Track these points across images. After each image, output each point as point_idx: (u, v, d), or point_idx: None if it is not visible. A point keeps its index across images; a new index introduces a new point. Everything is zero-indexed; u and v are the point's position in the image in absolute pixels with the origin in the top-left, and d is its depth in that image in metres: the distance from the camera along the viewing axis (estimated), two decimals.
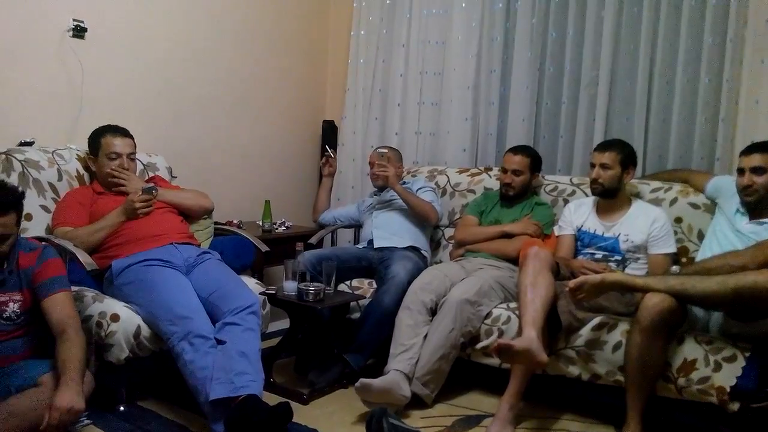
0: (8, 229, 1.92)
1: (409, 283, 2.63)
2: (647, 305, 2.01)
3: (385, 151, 3.17)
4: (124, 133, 2.62)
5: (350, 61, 3.88)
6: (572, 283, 2.13)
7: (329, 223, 3.39)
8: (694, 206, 2.64)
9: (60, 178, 2.59)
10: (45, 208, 2.52)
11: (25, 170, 2.47)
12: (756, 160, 2.27)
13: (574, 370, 2.30)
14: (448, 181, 3.37)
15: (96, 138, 2.60)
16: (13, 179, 2.42)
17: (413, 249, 3.00)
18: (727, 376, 2.00)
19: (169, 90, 3.19)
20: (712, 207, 2.56)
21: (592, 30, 3.14)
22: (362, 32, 3.82)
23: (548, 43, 3.32)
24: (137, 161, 2.74)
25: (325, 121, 4.03)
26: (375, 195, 3.28)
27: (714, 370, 2.03)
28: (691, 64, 2.91)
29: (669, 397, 2.13)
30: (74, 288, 2.24)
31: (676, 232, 2.59)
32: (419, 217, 3.06)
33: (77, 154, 2.69)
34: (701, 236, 2.56)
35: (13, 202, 1.93)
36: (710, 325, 2.21)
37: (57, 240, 2.34)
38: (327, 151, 3.42)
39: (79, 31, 2.77)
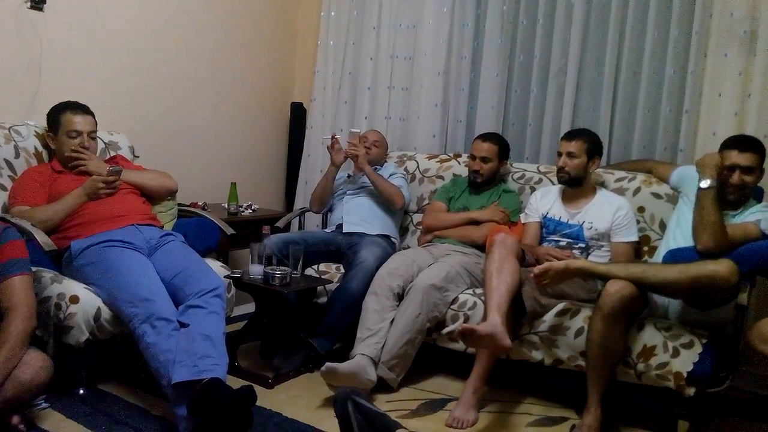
0: None
1: (377, 268, 2.63)
2: (609, 292, 2.05)
3: (358, 131, 3.15)
4: (85, 110, 2.54)
5: (320, 42, 3.83)
6: (537, 269, 2.16)
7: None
8: (657, 196, 2.69)
9: (17, 156, 2.50)
10: (1, 187, 2.43)
11: None
12: (749, 159, 2.24)
13: (537, 355, 2.34)
14: (418, 166, 3.37)
15: (56, 115, 2.51)
16: None
17: (383, 236, 3.00)
18: (685, 362, 2.06)
19: (131, 66, 3.10)
20: (674, 197, 2.61)
21: (562, 18, 3.16)
22: (332, 13, 3.77)
23: (519, 31, 3.33)
24: (98, 140, 2.66)
25: (293, 103, 3.98)
26: (348, 177, 3.26)
27: (672, 356, 2.09)
28: (657, 55, 2.95)
29: (628, 381, 2.19)
30: (32, 268, 2.18)
31: (638, 221, 2.64)
32: (385, 200, 3.05)
33: (35, 131, 2.60)
34: (663, 226, 2.62)
35: None
36: (669, 312, 2.27)
37: (14, 219, 2.26)
38: (334, 136, 3.14)
39: (37, 3, 2.66)
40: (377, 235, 2.98)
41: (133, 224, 2.42)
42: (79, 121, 2.50)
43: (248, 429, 1.95)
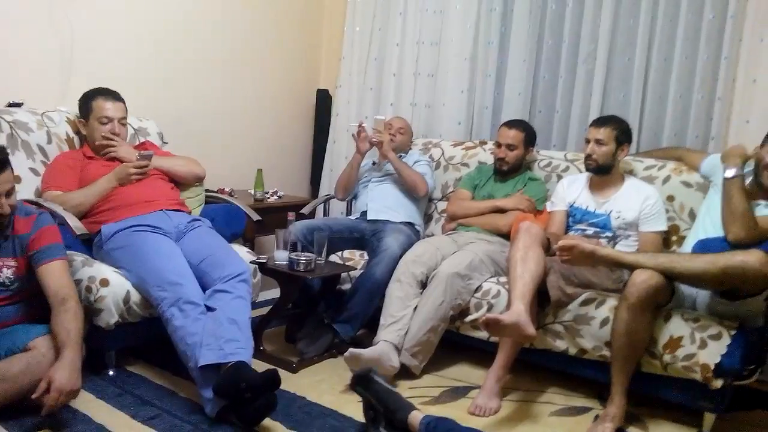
0: (10, 183, 1.90)
1: (401, 256, 2.63)
2: (635, 281, 2.02)
3: (383, 117, 3.14)
4: (115, 96, 2.58)
5: (346, 28, 3.82)
6: (563, 241, 2.13)
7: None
8: (687, 185, 2.64)
9: (49, 141, 2.55)
10: (34, 171, 2.49)
11: (13, 132, 2.44)
12: None
13: (561, 345, 2.32)
14: (443, 154, 3.35)
15: (87, 101, 2.56)
16: (1, 140, 2.38)
17: (407, 224, 3.00)
18: (712, 354, 2.03)
19: (160, 53, 3.13)
20: (704, 186, 2.56)
21: (592, 2, 3.10)
22: None
23: (547, 15, 3.28)
24: (128, 126, 2.71)
25: (319, 90, 3.98)
26: (373, 164, 3.26)
27: (699, 347, 2.05)
28: (689, 40, 2.88)
29: (653, 373, 2.16)
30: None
31: (667, 211, 2.60)
32: (409, 187, 3.05)
33: (67, 117, 2.65)
34: (693, 215, 2.57)
35: (4, 159, 1.90)
36: (697, 303, 2.23)
37: (46, 204, 2.32)
38: (360, 124, 3.14)
39: None
40: (402, 222, 2.98)
41: (162, 209, 2.46)
42: (109, 108, 2.54)
43: (272, 412, 1.99)
